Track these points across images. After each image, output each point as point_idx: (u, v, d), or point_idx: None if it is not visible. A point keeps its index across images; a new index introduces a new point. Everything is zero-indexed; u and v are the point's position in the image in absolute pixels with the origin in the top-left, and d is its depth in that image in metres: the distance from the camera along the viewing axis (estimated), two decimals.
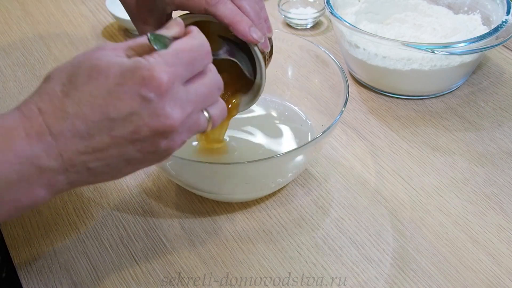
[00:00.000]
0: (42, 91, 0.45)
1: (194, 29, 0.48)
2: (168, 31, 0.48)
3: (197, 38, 0.47)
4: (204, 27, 0.60)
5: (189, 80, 0.46)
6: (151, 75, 0.43)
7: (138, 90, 0.43)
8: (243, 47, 0.59)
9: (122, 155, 0.45)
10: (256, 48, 0.57)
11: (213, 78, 0.48)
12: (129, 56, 0.45)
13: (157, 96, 0.43)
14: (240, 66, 0.60)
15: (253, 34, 0.55)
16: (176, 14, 0.58)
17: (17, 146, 0.43)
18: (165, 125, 0.44)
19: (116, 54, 0.45)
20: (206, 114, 0.48)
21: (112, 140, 0.44)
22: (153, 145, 0.46)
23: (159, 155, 0.47)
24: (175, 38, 0.47)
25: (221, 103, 0.50)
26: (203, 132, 0.49)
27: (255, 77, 0.61)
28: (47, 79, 0.46)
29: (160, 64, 0.44)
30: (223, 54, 0.59)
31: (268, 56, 0.61)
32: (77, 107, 0.43)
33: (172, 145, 0.46)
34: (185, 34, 0.48)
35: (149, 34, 0.46)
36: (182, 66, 0.45)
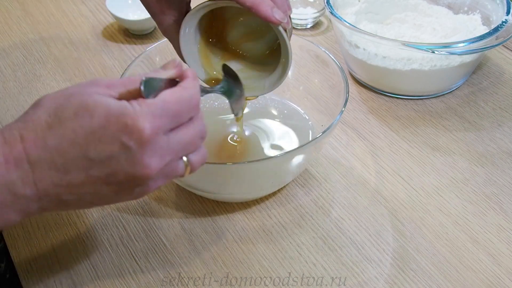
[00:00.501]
0: (28, 118, 0.46)
1: (189, 76, 0.49)
2: (164, 72, 0.48)
3: (188, 90, 0.47)
4: (223, 12, 0.61)
5: (172, 129, 0.47)
6: (134, 124, 0.44)
7: (119, 136, 0.44)
8: (262, 28, 0.59)
9: (96, 193, 0.47)
10: (280, 28, 0.57)
11: (197, 127, 0.49)
12: (120, 98, 0.46)
13: (137, 145, 0.44)
14: (263, 44, 0.62)
15: (276, 15, 0.55)
16: (195, 2, 0.58)
17: None
18: (141, 173, 0.46)
19: (109, 94, 0.45)
20: (185, 159, 0.49)
21: (88, 178, 0.45)
22: (127, 189, 0.47)
23: (133, 197, 0.49)
24: (172, 80, 0.48)
25: (202, 150, 0.51)
26: (180, 177, 0.50)
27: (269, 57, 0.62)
28: (36, 106, 0.46)
29: (145, 114, 0.44)
30: (218, 90, 0.59)
31: (289, 35, 0.61)
32: (58, 141, 0.44)
33: (146, 190, 0.48)
34: (181, 76, 0.49)
35: (143, 78, 0.46)
36: (167, 118, 0.46)
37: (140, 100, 0.45)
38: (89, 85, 0.46)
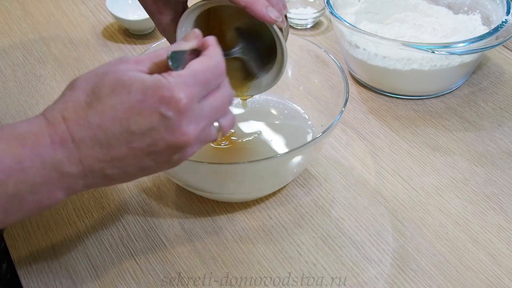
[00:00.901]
0: (67, 99, 0.47)
1: (211, 45, 0.51)
2: (186, 44, 0.50)
3: (213, 58, 0.50)
4: (219, 11, 0.61)
5: (204, 97, 0.49)
6: (171, 95, 0.46)
7: (158, 107, 0.46)
8: (259, 27, 0.60)
9: (138, 164, 0.48)
10: (275, 27, 0.57)
11: (225, 92, 0.51)
12: (151, 72, 0.48)
13: (175, 115, 0.46)
14: (258, 48, 0.63)
15: (270, 14, 0.56)
16: (192, 1, 0.58)
17: (43, 153, 0.45)
18: (181, 140, 0.47)
19: (139, 69, 0.48)
20: (216, 124, 0.51)
21: (130, 151, 0.47)
22: (167, 157, 0.49)
23: (171, 164, 0.50)
24: (194, 50, 0.50)
25: (231, 114, 0.53)
26: (214, 141, 0.52)
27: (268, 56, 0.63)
28: (72, 87, 0.48)
29: (179, 85, 0.46)
30: (237, 53, 0.61)
31: (286, 34, 0.62)
32: (99, 118, 0.46)
33: (184, 156, 0.50)
34: (202, 45, 0.51)
35: (169, 53, 0.48)
36: (198, 86, 0.48)
37: (172, 72, 0.47)
38: (119, 62, 0.48)
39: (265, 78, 0.64)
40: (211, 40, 0.51)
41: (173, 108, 0.46)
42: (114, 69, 0.47)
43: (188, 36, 0.51)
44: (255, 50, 0.64)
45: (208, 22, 0.63)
